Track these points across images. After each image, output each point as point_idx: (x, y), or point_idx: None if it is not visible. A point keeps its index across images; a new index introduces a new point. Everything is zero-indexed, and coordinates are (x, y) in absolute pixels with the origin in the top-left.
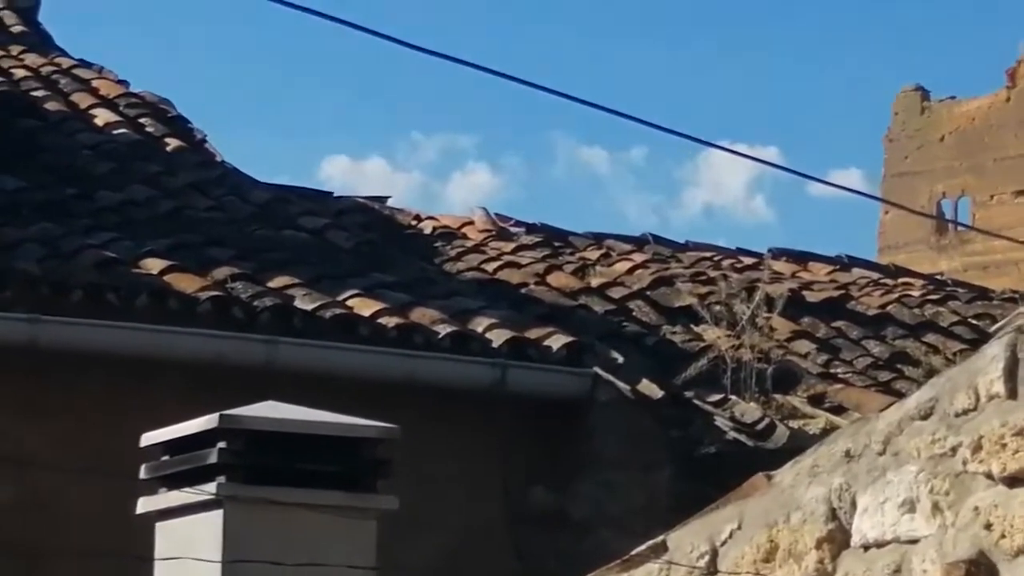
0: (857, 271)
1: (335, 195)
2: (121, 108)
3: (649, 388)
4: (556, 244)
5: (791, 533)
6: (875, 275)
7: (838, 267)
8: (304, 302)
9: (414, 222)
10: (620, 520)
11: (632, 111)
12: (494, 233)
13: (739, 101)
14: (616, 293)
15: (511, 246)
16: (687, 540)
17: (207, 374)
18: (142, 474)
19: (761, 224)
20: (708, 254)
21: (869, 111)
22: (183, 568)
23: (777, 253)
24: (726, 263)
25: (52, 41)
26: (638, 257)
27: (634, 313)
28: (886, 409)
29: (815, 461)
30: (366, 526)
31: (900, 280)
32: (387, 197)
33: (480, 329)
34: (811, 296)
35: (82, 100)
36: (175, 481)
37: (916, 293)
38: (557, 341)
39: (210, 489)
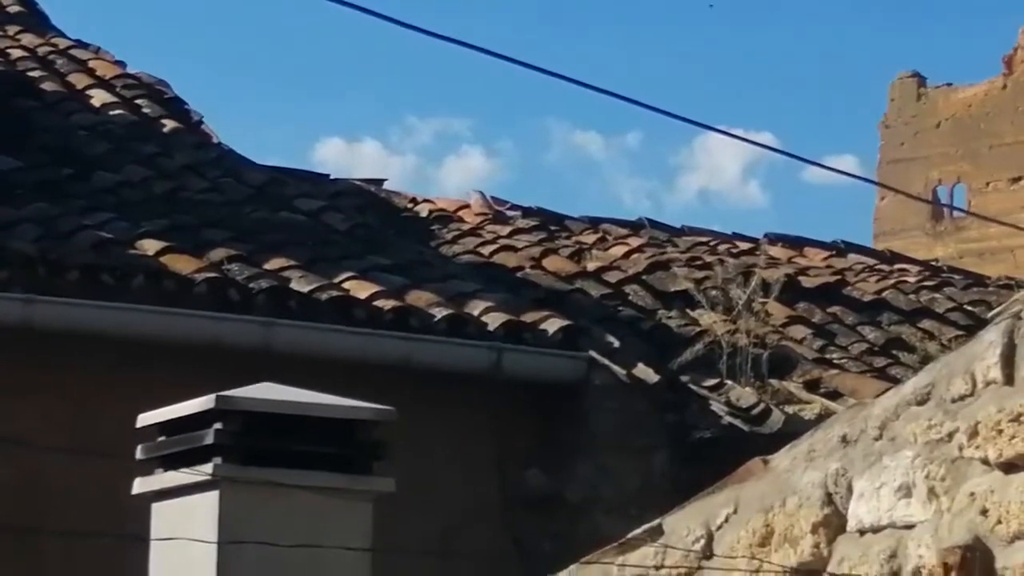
0: (853, 257)
1: (331, 177)
2: (118, 89)
3: (645, 372)
4: (552, 228)
5: (787, 517)
6: (871, 261)
7: (834, 253)
8: (300, 284)
9: (410, 205)
10: (615, 504)
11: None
12: (490, 216)
13: (733, 87)
14: (612, 277)
15: (507, 229)
16: (683, 524)
17: (203, 356)
18: (138, 455)
19: (756, 210)
20: (704, 239)
21: (864, 98)
22: (179, 549)
23: (773, 238)
24: (722, 248)
25: (49, 21)
26: (634, 241)
27: (630, 297)
28: (882, 394)
29: (811, 446)
30: (362, 508)
31: (896, 266)
32: (383, 180)
33: (476, 312)
34: (807, 281)
35: (79, 81)
36: (171, 462)
37: (912, 279)
38: (553, 325)
39: (206, 470)
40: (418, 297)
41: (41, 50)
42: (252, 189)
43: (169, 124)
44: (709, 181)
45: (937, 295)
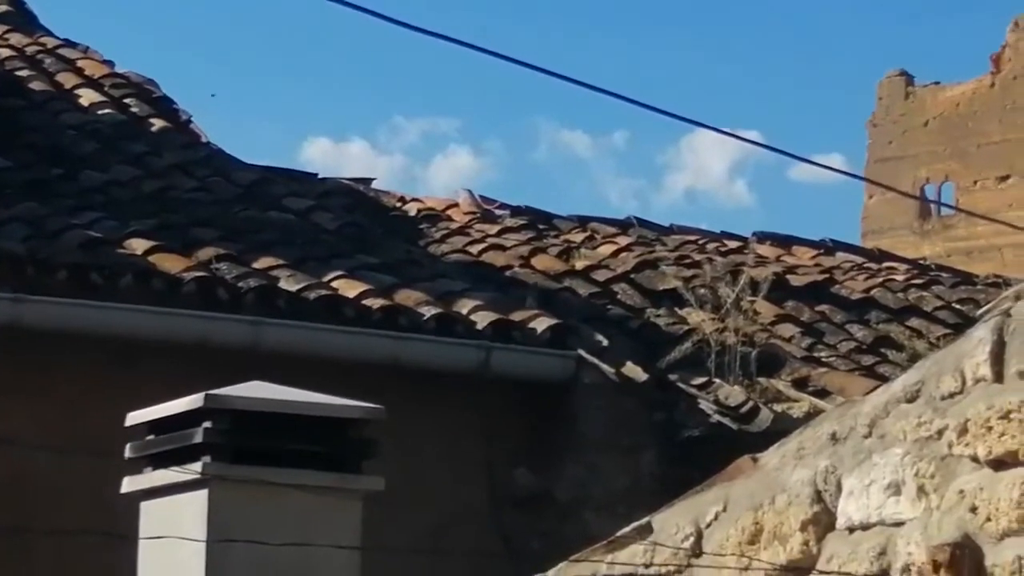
0: (841, 255)
1: (320, 177)
2: (106, 88)
3: (633, 371)
4: (541, 227)
5: (776, 515)
6: (859, 259)
7: (822, 251)
8: (289, 283)
9: (399, 204)
10: (604, 502)
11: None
12: (479, 215)
13: (720, 86)
14: (600, 276)
15: (496, 228)
16: (672, 522)
17: (191, 355)
18: (127, 453)
19: (743, 208)
20: (693, 237)
21: (852, 97)
22: (168, 548)
23: (761, 237)
24: (711, 246)
25: (37, 21)
26: (622, 240)
27: (618, 296)
28: (872, 392)
29: (801, 444)
30: (351, 506)
31: (884, 264)
32: (372, 179)
33: (465, 311)
34: (795, 280)
35: (67, 80)
36: (160, 461)
37: (900, 277)
38: (542, 323)
39: (195, 469)
40: (407, 296)
41: (29, 49)
42: (241, 188)
43: (157, 123)
44: (696, 180)
45: (925, 293)
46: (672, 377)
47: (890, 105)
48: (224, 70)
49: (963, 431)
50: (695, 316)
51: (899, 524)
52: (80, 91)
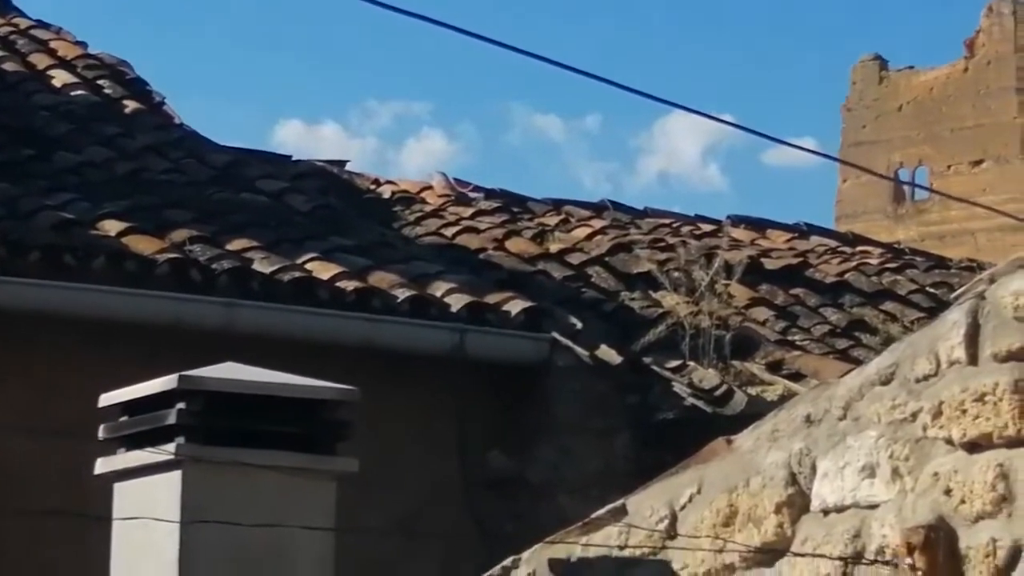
0: (815, 239)
1: (294, 159)
2: (79, 69)
3: (607, 354)
4: (515, 210)
5: (751, 498)
6: (833, 243)
7: (796, 235)
8: (263, 265)
9: (373, 186)
10: (577, 485)
11: (585, 80)
12: (453, 198)
13: (692, 70)
14: (575, 259)
15: (470, 211)
16: (647, 504)
17: (165, 336)
18: (101, 434)
19: (715, 192)
20: (667, 221)
21: (824, 81)
22: (141, 528)
23: (736, 220)
24: (685, 230)
25: (9, 2)
26: (597, 223)
27: (593, 279)
28: (846, 374)
29: (775, 426)
30: (325, 487)
31: (858, 248)
32: (346, 161)
33: (439, 294)
34: (769, 263)
35: (40, 61)
36: (134, 442)
37: (874, 261)
38: (516, 306)
39: (169, 450)
40: (381, 278)
41: (1, 30)
42: (214, 170)
43: (131, 105)
44: (669, 164)
45: (899, 277)
46: (646, 360)
47: (864, 90)
48: (196, 52)
49: (937, 413)
50: (669, 299)
51: (873, 506)
52: (53, 72)
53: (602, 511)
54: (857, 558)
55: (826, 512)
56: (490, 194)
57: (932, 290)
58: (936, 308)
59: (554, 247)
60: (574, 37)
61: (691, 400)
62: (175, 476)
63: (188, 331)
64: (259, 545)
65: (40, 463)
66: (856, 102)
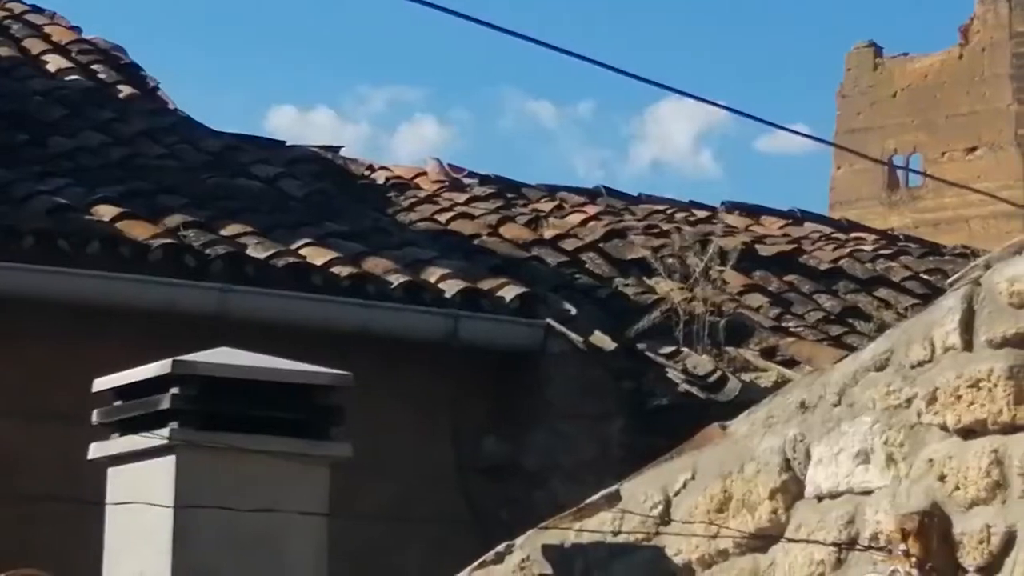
0: (809, 225)
1: (288, 144)
2: (73, 54)
3: (601, 340)
4: (509, 195)
5: (745, 483)
6: (827, 229)
7: (791, 221)
8: (257, 251)
9: (367, 172)
10: (571, 471)
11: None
12: (447, 184)
13: (685, 55)
14: (569, 245)
15: (464, 197)
16: (641, 490)
17: (159, 322)
18: (94, 419)
19: (708, 179)
20: (661, 207)
21: (819, 68)
22: (135, 513)
23: (730, 206)
24: (679, 216)
25: None
26: (591, 209)
27: (587, 265)
28: (841, 360)
29: (770, 412)
30: (319, 472)
31: (852, 235)
32: (340, 147)
33: (433, 279)
34: (764, 250)
35: (34, 46)
36: (127, 427)
37: (868, 248)
38: (510, 292)
39: (163, 435)
40: (375, 264)
41: None
42: (208, 155)
43: (125, 90)
44: (662, 151)
45: (893, 264)
46: (640, 346)
47: (859, 76)
48: (189, 38)
49: (932, 400)
50: (663, 285)
51: (868, 492)
52: (47, 57)
53: (596, 497)
54: (851, 544)
55: (820, 498)
56: (484, 180)
57: (926, 277)
58: (930, 295)
59: (548, 233)
60: (566, 21)
61: (685, 386)
62: (169, 461)
63: (182, 316)
64: (253, 530)
65: (34, 448)
66: (851, 89)
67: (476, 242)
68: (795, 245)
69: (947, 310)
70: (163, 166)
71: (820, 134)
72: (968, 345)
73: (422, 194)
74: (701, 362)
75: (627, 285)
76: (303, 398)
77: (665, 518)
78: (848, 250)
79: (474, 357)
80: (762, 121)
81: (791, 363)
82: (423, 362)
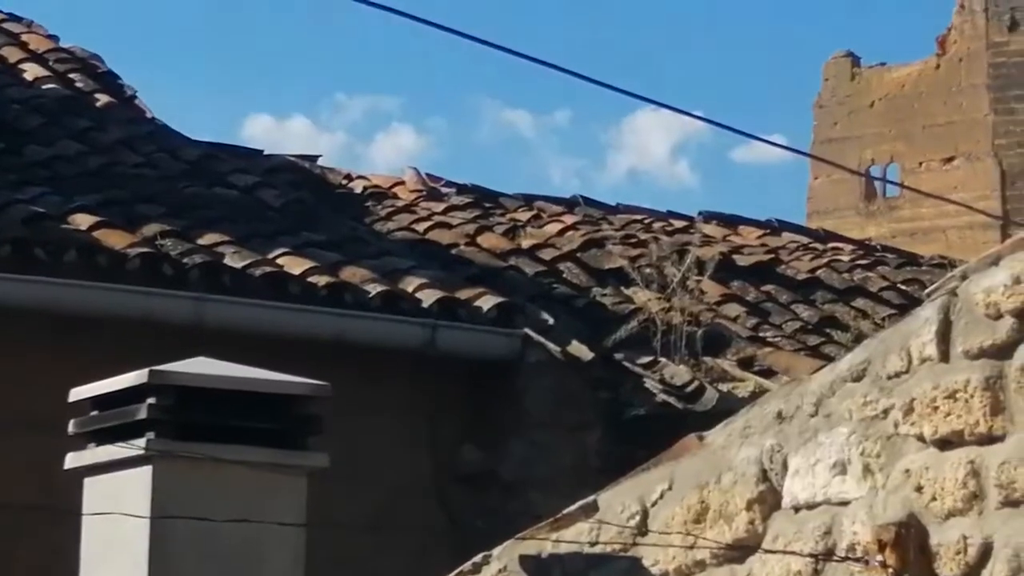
0: (787, 235)
1: (265, 153)
2: (51, 63)
3: (579, 350)
4: (486, 205)
5: (722, 494)
6: (805, 240)
7: (768, 231)
8: (234, 260)
9: (344, 181)
10: (549, 480)
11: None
12: (425, 193)
13: (662, 64)
14: (546, 254)
15: (442, 206)
16: (618, 500)
17: (136, 331)
18: (71, 429)
19: (685, 189)
20: (639, 217)
21: (795, 77)
22: (111, 524)
23: (708, 217)
24: (657, 226)
25: None
26: (568, 219)
27: (564, 275)
28: (818, 371)
29: (747, 422)
30: (296, 483)
31: (830, 245)
32: (317, 156)
33: (410, 289)
34: (741, 260)
35: (11, 54)
36: (104, 437)
37: (845, 258)
38: (487, 302)
39: (139, 445)
40: (352, 273)
41: None
42: (186, 164)
43: (102, 98)
44: (639, 161)
45: (871, 274)
46: (618, 356)
47: (836, 86)
48: (164, 45)
49: (909, 410)
50: (641, 295)
51: (844, 503)
52: (24, 65)
53: (573, 507)
54: (828, 555)
55: (797, 509)
56: (462, 189)
57: (903, 287)
58: (907, 305)
59: (526, 243)
60: (543, 32)
61: (662, 396)
62: (145, 471)
63: (159, 325)
64: (230, 540)
65: (9, 457)
66: (828, 99)
67: (454, 252)
68: (772, 255)
69: (924, 321)
70: (140, 175)
71: (798, 144)
72: (945, 356)
73: (400, 203)
74: (678, 372)
75: (604, 295)
76: (280, 408)
77: (642, 529)
78: (825, 260)
79: (451, 367)
80: (739, 132)
81: (768, 373)
82: (401, 372)
